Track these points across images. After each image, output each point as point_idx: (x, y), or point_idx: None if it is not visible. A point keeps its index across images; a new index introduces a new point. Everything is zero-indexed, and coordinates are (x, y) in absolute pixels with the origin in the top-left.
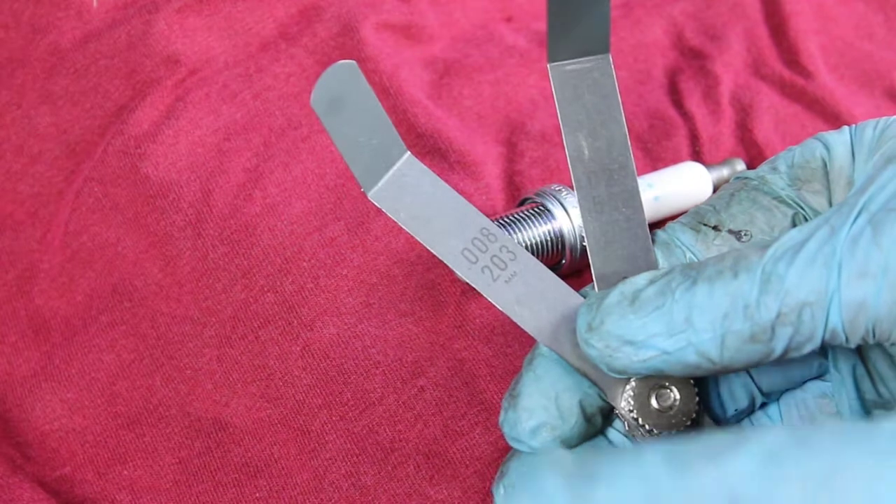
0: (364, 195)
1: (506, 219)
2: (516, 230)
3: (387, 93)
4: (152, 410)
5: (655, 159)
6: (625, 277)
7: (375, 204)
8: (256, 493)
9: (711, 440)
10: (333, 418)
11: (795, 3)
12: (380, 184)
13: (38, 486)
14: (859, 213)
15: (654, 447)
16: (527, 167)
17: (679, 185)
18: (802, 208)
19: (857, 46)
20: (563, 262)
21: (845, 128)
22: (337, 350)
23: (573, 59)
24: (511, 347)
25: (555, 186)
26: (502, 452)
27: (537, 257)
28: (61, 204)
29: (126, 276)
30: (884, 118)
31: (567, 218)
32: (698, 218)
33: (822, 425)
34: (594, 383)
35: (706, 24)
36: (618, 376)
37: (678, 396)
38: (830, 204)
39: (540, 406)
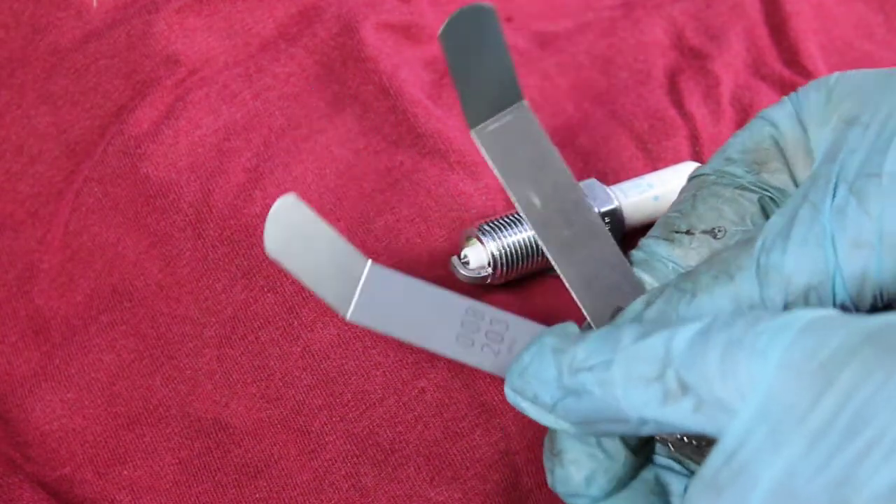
0: (364, 195)
1: (505, 219)
2: (516, 231)
3: (387, 93)
4: (152, 411)
5: (655, 159)
6: (618, 307)
7: (356, 323)
8: (256, 494)
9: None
10: (333, 419)
11: (795, 3)
12: (353, 303)
13: (38, 487)
14: (837, 184)
15: (630, 326)
16: None
17: (679, 184)
18: (767, 190)
19: (857, 46)
20: None
21: (786, 99)
22: (337, 351)
23: (492, 117)
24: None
25: None
26: (503, 454)
27: (537, 257)
28: (61, 204)
29: (126, 276)
30: (824, 77)
31: None
32: (669, 227)
33: (747, 313)
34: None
35: (706, 24)
36: None
37: None
38: (793, 179)
39: (585, 455)
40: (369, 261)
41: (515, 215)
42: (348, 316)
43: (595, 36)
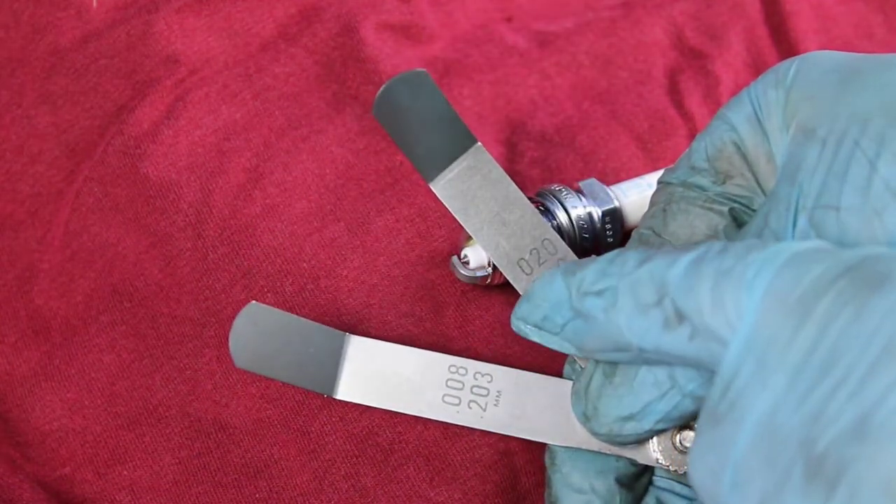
0: (364, 195)
1: None
2: None
3: None
4: (152, 411)
5: (655, 159)
6: None
7: (345, 399)
8: (256, 494)
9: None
10: (333, 419)
11: (795, 3)
12: (340, 380)
13: (38, 487)
14: (797, 213)
15: (636, 250)
16: (527, 167)
17: None
18: (735, 201)
19: (856, 46)
20: None
21: (744, 96)
22: None
23: (448, 167)
24: (511, 349)
25: (555, 186)
26: (502, 454)
27: None
28: (61, 204)
29: (126, 276)
30: (782, 68)
31: (567, 218)
32: (644, 247)
33: (740, 241)
34: (620, 456)
35: (706, 24)
36: (634, 445)
37: None
38: (759, 185)
39: (581, 502)
40: (347, 335)
41: None
42: (337, 395)
43: (595, 36)
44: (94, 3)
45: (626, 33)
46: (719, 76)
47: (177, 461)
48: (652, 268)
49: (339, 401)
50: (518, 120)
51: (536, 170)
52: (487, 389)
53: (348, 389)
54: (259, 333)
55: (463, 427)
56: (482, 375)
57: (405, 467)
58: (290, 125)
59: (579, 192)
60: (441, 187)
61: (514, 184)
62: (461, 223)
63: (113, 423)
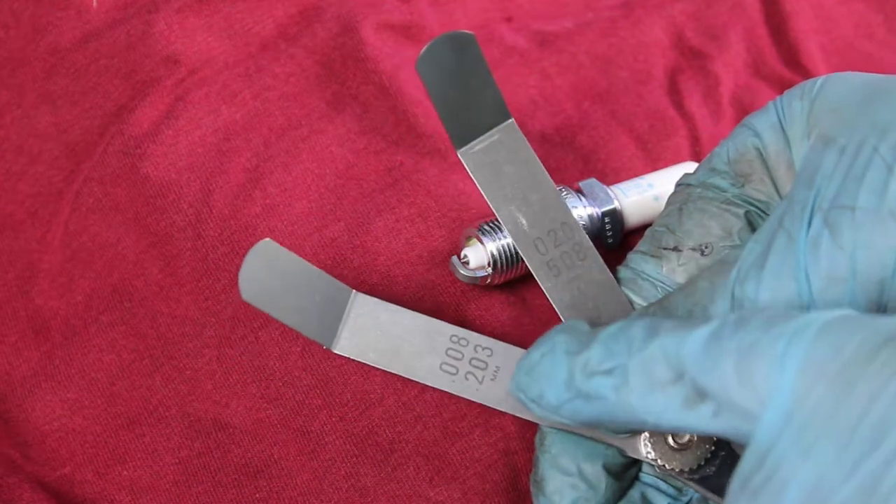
0: (364, 195)
1: None
2: None
3: (387, 93)
4: (152, 411)
5: (655, 159)
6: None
7: (343, 355)
8: (256, 494)
9: (676, 323)
10: (333, 419)
11: (795, 3)
12: (340, 335)
13: (38, 487)
14: (812, 213)
15: (640, 322)
16: None
17: None
18: (752, 205)
19: (857, 46)
20: None
21: (770, 105)
22: None
23: (478, 137)
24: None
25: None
26: (502, 454)
27: None
28: (61, 204)
29: (126, 276)
30: (809, 82)
31: None
32: (656, 243)
33: (757, 312)
34: (610, 444)
35: (706, 24)
36: (625, 436)
37: None
38: (778, 192)
39: (567, 485)
40: (353, 291)
41: None
42: (336, 349)
43: (595, 36)
44: (94, 3)
45: (626, 33)
46: (719, 76)
47: (177, 461)
48: (664, 344)
49: (339, 400)
50: (518, 120)
51: None
52: (486, 363)
53: (347, 345)
54: (269, 270)
55: (463, 427)
56: (483, 349)
57: (405, 467)
58: (290, 125)
59: (579, 192)
60: (468, 157)
61: (541, 165)
62: (483, 195)
63: (113, 423)
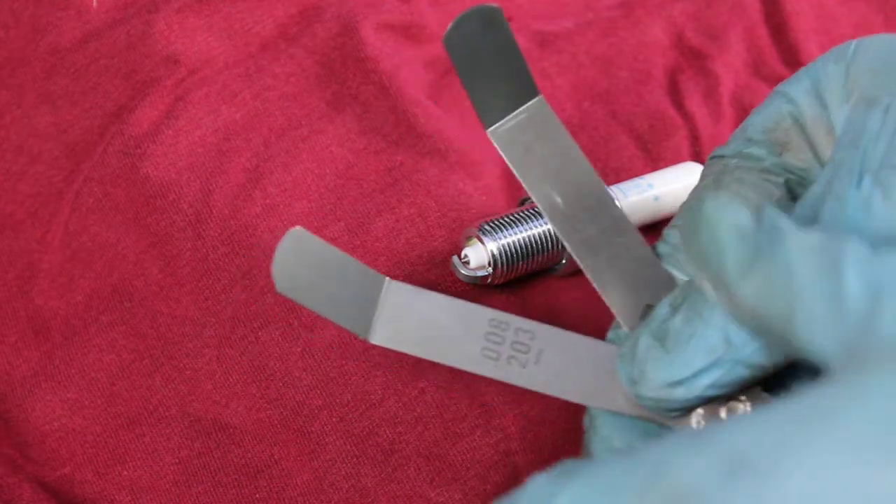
0: (364, 195)
1: (506, 219)
2: (516, 230)
3: (387, 93)
4: (152, 411)
5: (655, 159)
6: (648, 305)
7: (379, 345)
8: (256, 494)
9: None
10: (333, 419)
11: (795, 3)
12: (375, 327)
13: (38, 487)
14: (861, 176)
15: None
16: None
17: (679, 185)
18: (792, 172)
19: None
20: (563, 262)
21: (803, 73)
22: (337, 351)
23: (507, 116)
24: None
25: None
26: (503, 455)
27: (537, 257)
28: (61, 204)
29: (126, 276)
30: (843, 46)
31: None
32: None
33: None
34: (662, 424)
35: (706, 24)
36: (678, 414)
37: (748, 407)
38: (817, 159)
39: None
40: (387, 279)
41: (516, 215)
42: (371, 339)
43: (595, 36)
44: (94, 3)
45: (626, 33)
46: (719, 76)
47: (177, 461)
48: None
49: (340, 401)
50: None
51: None
52: (529, 346)
53: (383, 334)
54: (301, 259)
55: (464, 427)
56: (524, 332)
57: (406, 467)
58: (290, 125)
59: None
60: (498, 136)
61: (573, 141)
62: (516, 174)
63: (113, 423)
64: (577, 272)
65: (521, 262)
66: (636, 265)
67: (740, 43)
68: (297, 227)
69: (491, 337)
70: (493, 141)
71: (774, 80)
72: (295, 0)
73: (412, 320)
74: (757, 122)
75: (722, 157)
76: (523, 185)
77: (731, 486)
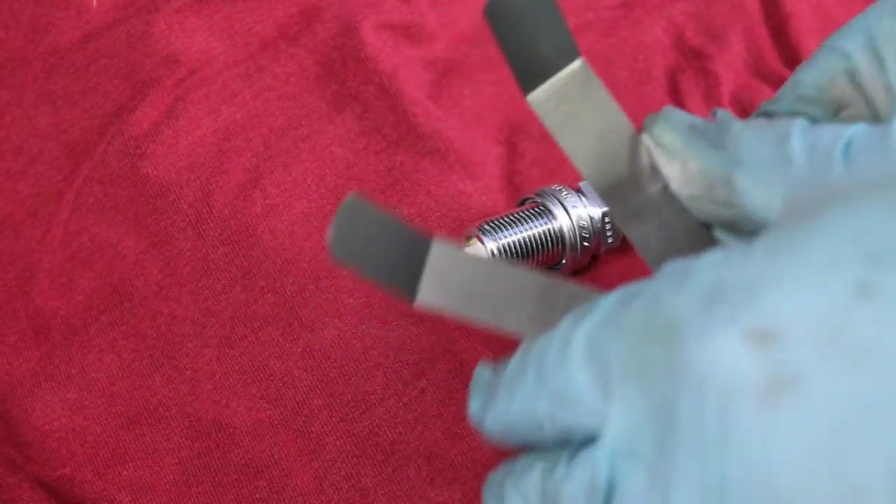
0: (364, 195)
1: (505, 218)
2: (516, 230)
3: (387, 93)
4: (152, 411)
5: None
6: None
7: (425, 306)
8: (256, 494)
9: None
10: (334, 420)
11: (795, 3)
12: (419, 286)
13: (38, 487)
14: None
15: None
16: (527, 167)
17: None
18: None
19: None
20: (564, 262)
21: (853, 24)
22: (337, 351)
23: (546, 81)
24: (512, 348)
25: (555, 186)
26: (504, 455)
27: (538, 257)
28: (61, 204)
29: (126, 276)
30: None
31: (567, 218)
32: None
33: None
34: None
35: (706, 24)
36: None
37: None
38: (877, 119)
39: None
40: (431, 241)
41: (516, 215)
42: (416, 299)
43: (595, 36)
44: (94, 3)
45: (626, 33)
46: (719, 76)
47: (177, 461)
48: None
49: (340, 401)
50: (518, 120)
51: (536, 170)
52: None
53: (428, 295)
54: (355, 227)
55: (464, 428)
56: (576, 298)
57: (406, 468)
58: (290, 125)
59: (579, 192)
60: (538, 102)
61: (617, 106)
62: (558, 142)
63: (113, 423)
64: (577, 272)
65: (520, 262)
66: (684, 234)
67: (740, 43)
68: (354, 193)
69: (542, 302)
70: (533, 108)
71: (774, 79)
72: (295, 0)
73: (459, 282)
74: (809, 79)
75: (773, 113)
76: (565, 151)
77: (709, 311)
